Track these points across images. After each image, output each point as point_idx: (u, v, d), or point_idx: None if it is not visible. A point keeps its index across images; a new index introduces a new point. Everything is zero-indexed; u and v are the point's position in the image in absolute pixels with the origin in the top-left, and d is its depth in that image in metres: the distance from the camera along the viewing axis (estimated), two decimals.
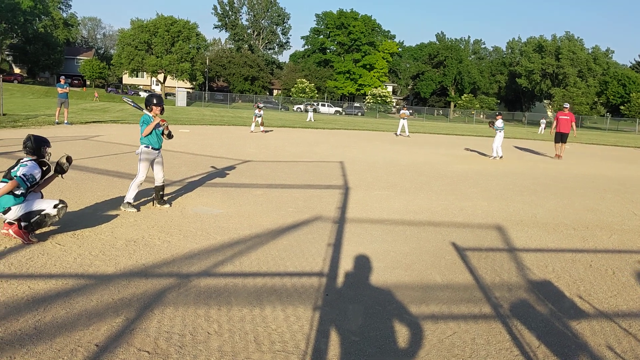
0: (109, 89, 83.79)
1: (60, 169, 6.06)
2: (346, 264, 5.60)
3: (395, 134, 30.38)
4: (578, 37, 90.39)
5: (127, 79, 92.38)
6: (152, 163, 7.59)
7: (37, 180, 5.63)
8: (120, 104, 53.35)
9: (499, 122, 18.84)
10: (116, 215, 7.00)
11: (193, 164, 12.49)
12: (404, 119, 29.71)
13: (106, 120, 25.62)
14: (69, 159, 6.14)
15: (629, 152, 28.88)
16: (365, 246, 6.30)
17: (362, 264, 5.65)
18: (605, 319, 4.52)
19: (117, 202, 7.64)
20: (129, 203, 7.34)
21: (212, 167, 12.05)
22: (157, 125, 7.48)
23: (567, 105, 21.06)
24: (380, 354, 3.66)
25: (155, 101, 7.53)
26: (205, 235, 6.35)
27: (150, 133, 7.42)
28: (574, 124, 20.43)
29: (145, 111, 7.56)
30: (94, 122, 24.09)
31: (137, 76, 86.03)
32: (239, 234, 6.51)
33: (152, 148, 7.50)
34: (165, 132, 7.66)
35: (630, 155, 25.63)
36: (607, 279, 5.64)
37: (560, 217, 8.74)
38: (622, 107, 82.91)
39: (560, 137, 20.41)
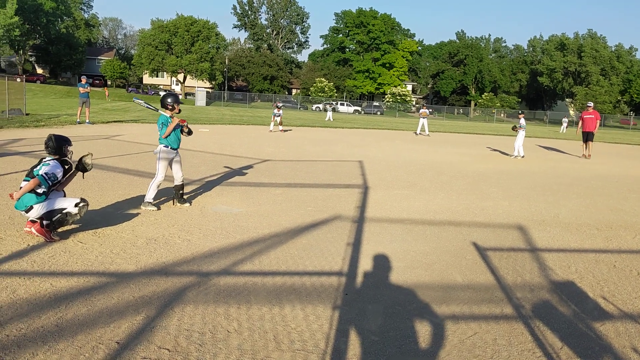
0: (130, 88, 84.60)
1: (82, 167, 6.12)
2: (365, 264, 5.57)
3: (415, 133, 30.25)
4: (601, 35, 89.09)
5: (147, 79, 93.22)
6: (170, 163, 7.62)
7: (59, 179, 5.69)
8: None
9: (522, 121, 18.62)
10: (137, 214, 7.06)
11: (212, 163, 12.55)
12: (423, 118, 29.55)
13: (127, 119, 25.87)
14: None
15: None
16: (384, 245, 6.27)
17: (382, 263, 5.62)
18: (629, 320, 4.43)
19: (138, 200, 7.69)
20: (149, 202, 7.38)
21: (232, 166, 12.09)
22: (177, 126, 7.51)
23: (590, 104, 20.82)
24: (400, 354, 3.63)
25: (171, 101, 7.55)
26: (225, 234, 6.37)
27: (163, 128, 7.45)
28: (598, 122, 20.13)
29: (161, 111, 7.59)
30: (115, 121, 24.33)
31: (157, 76, 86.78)
32: (259, 233, 6.52)
33: (171, 148, 7.53)
34: (185, 130, 7.67)
35: None
36: (632, 279, 5.54)
37: (583, 217, 8.61)
38: None
39: (587, 136, 20.12)
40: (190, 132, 7.81)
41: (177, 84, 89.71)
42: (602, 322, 4.37)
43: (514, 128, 18.98)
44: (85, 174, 6.33)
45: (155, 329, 3.76)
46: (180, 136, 7.67)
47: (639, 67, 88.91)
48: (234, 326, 3.88)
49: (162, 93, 79.65)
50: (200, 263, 5.27)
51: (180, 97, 8.05)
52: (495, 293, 4.93)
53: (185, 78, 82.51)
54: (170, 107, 7.56)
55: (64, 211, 5.61)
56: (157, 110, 7.64)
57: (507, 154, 19.57)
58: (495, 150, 21.79)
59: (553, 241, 6.98)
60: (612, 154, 23.21)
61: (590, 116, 20.08)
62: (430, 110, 30.27)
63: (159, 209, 7.43)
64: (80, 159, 6.16)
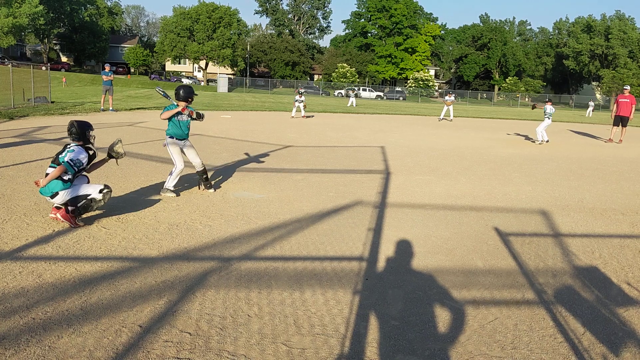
0: (152, 76, 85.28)
1: (115, 155, 6.22)
2: (386, 249, 5.57)
3: (439, 118, 29.98)
4: (629, 16, 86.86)
5: (169, 66, 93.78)
6: (182, 150, 7.62)
7: (84, 165, 5.77)
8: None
9: (549, 108, 18.10)
10: (159, 200, 7.14)
11: (234, 149, 12.61)
12: (448, 106, 29.28)
13: (150, 107, 26.07)
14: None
15: None
16: (406, 231, 6.25)
17: (403, 248, 5.61)
18: None
19: (160, 187, 7.76)
20: (168, 189, 7.42)
21: (253, 152, 12.14)
22: (178, 114, 7.46)
23: (627, 87, 20.03)
24: (421, 338, 3.64)
25: (182, 94, 7.51)
26: (246, 220, 6.41)
27: (170, 119, 7.44)
28: (634, 106, 19.63)
29: (172, 100, 7.60)
30: (138, 108, 24.55)
31: (179, 63, 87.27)
32: (280, 219, 6.55)
33: (176, 138, 7.54)
34: (193, 116, 7.59)
35: None
36: None
37: (608, 202, 8.48)
38: None
39: (620, 121, 19.57)
40: (199, 116, 7.74)
41: (199, 71, 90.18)
42: (626, 307, 4.31)
43: (534, 107, 18.70)
44: (118, 160, 6.43)
45: (177, 313, 3.82)
46: (185, 127, 7.59)
47: None
48: (255, 310, 3.92)
49: (184, 80, 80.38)
50: (222, 248, 5.32)
51: (192, 89, 8.04)
52: (516, 278, 4.90)
53: (207, 65, 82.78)
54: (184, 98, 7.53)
55: (89, 197, 5.69)
56: (170, 98, 7.67)
57: (531, 139, 19.30)
58: (519, 135, 21.51)
59: (577, 226, 6.89)
60: (639, 138, 22.73)
61: (626, 100, 19.48)
62: (455, 95, 29.98)
63: (177, 195, 7.49)
64: (112, 147, 6.25)
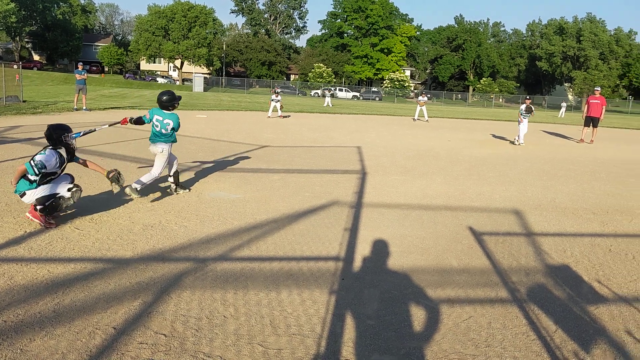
0: (127, 75, 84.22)
1: (116, 181, 6.32)
2: (363, 249, 5.60)
3: (413, 119, 30.18)
4: (600, 19, 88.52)
5: (144, 65, 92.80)
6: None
7: (51, 169, 5.59)
8: (139, 89, 53.66)
9: (523, 107, 18.16)
10: (133, 200, 7.06)
11: (210, 149, 12.54)
12: (421, 106, 29.50)
13: (124, 106, 25.77)
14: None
15: None
16: (381, 231, 6.29)
17: (379, 248, 5.65)
18: (624, 303, 4.47)
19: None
20: (135, 188, 6.89)
21: (229, 152, 12.08)
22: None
23: (598, 88, 20.44)
24: (396, 337, 3.67)
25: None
26: (222, 220, 6.39)
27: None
28: (604, 107, 20.03)
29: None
30: (112, 108, 24.26)
31: (154, 62, 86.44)
32: (256, 219, 6.53)
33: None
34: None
35: None
36: (627, 263, 5.57)
37: (579, 202, 8.63)
38: None
39: (591, 121, 19.95)
40: (133, 121, 7.32)
41: (174, 70, 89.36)
42: (597, 305, 4.40)
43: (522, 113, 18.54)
44: (112, 185, 6.54)
45: (152, 315, 3.79)
46: (156, 130, 7.27)
47: (638, 51, 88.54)
48: (231, 311, 3.91)
49: (159, 80, 79.57)
50: (197, 249, 5.29)
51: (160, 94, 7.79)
52: (490, 277, 4.97)
53: (182, 64, 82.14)
54: (171, 108, 7.29)
55: (57, 196, 5.63)
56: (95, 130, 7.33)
57: (506, 140, 19.54)
58: (493, 135, 21.77)
59: (549, 225, 7.01)
60: (610, 139, 23.17)
61: (597, 101, 19.87)
62: (429, 96, 30.08)
63: (140, 196, 7.07)
64: (118, 176, 6.34)
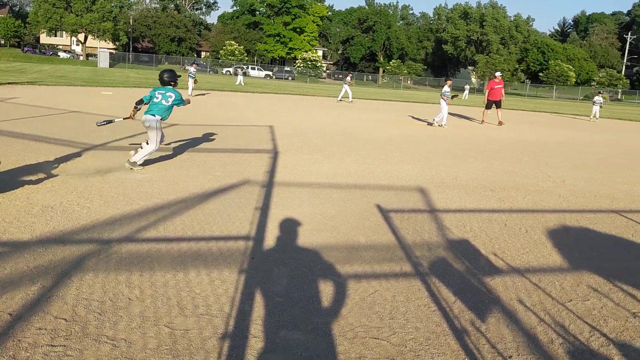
0: (26, 48, 79.05)
1: None
2: (273, 228, 5.64)
3: (337, 99, 30.28)
4: (501, 5, 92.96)
5: (45, 39, 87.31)
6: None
7: None
8: (38, 64, 50.59)
9: (445, 88, 18.81)
10: (32, 181, 6.71)
11: (114, 127, 12.05)
12: (347, 84, 29.79)
13: (23, 81, 24.24)
14: None
15: (546, 117, 30.28)
16: (292, 209, 6.35)
17: (289, 227, 5.71)
18: (517, 274, 4.79)
19: (34, 167, 7.30)
20: (135, 162, 7.75)
21: (136, 130, 11.68)
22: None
23: (499, 73, 21.84)
24: (304, 313, 3.74)
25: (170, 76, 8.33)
26: (128, 201, 6.21)
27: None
28: (503, 89, 21.28)
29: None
30: (9, 83, 22.75)
31: (55, 35, 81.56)
32: (163, 199, 6.40)
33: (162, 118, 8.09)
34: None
35: (547, 120, 26.91)
36: (521, 237, 5.96)
37: (479, 180, 9.10)
38: (540, 74, 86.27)
39: (494, 104, 21.17)
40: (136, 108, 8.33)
41: (77, 45, 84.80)
42: (492, 276, 4.69)
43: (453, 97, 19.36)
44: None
45: (52, 299, 3.65)
46: (153, 102, 8.10)
47: (536, 37, 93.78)
48: (136, 293, 3.84)
49: (61, 54, 75.29)
50: (101, 231, 5.13)
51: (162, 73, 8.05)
52: (395, 252, 5.16)
53: (86, 38, 78.05)
54: (173, 83, 8.26)
55: None
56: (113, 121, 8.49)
57: (417, 119, 20.15)
58: (404, 116, 22.39)
59: (451, 202, 7.35)
60: (509, 120, 24.45)
61: (499, 85, 21.18)
62: (351, 76, 30.94)
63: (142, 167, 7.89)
64: None
